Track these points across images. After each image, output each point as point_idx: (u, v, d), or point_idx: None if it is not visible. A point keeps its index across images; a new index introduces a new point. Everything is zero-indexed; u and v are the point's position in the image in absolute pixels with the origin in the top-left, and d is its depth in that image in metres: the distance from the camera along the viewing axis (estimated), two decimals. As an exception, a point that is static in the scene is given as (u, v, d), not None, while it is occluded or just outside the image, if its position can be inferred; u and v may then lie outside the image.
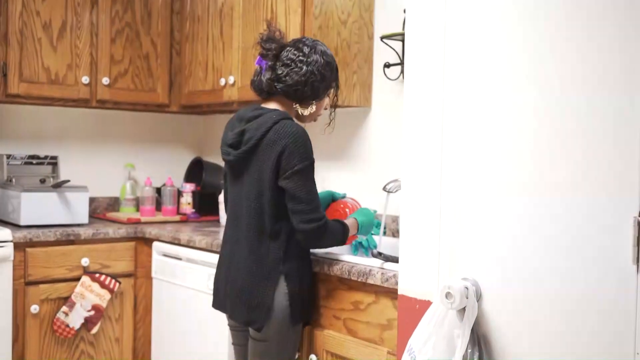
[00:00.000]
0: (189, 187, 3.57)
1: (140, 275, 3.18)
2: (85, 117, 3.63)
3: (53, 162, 3.36)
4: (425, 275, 1.72)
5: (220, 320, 2.49)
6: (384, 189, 2.42)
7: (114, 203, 3.71)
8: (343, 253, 2.29)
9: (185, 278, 2.86)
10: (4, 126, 3.42)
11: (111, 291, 3.04)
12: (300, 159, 2.04)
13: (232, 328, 2.30)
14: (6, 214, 3.17)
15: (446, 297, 1.57)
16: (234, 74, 3.10)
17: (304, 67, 2.12)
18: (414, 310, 1.73)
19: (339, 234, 2.14)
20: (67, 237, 3.00)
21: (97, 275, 3.02)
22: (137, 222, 3.33)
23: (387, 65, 2.79)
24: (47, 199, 3.09)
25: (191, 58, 3.43)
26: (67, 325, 2.96)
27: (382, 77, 2.83)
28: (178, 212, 3.54)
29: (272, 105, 2.18)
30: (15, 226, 3.04)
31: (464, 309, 1.58)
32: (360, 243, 2.47)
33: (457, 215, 1.66)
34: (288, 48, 2.17)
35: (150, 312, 3.17)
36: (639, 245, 1.34)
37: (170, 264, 2.97)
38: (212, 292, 2.31)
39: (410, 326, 1.68)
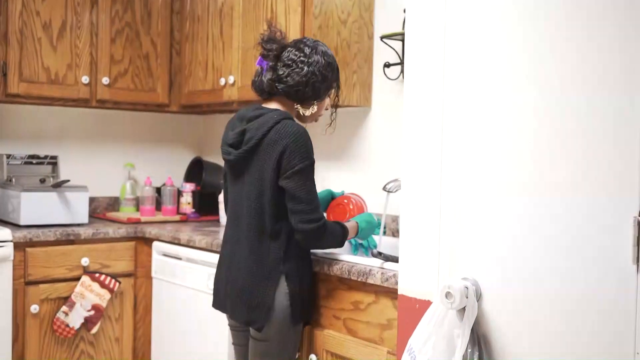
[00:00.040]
0: (189, 187, 3.57)
1: (140, 275, 3.18)
2: (85, 117, 3.63)
3: (53, 161, 3.36)
4: (425, 275, 1.72)
5: (220, 320, 2.49)
6: (384, 188, 2.42)
7: (114, 203, 3.71)
8: (343, 253, 2.29)
9: (185, 278, 2.86)
10: (4, 126, 3.42)
11: (111, 291, 3.04)
12: (301, 158, 2.04)
13: (233, 328, 2.30)
14: (6, 213, 3.17)
15: (446, 296, 1.57)
16: (233, 74, 3.10)
17: (305, 68, 2.13)
18: (414, 310, 1.73)
19: (338, 236, 2.14)
20: (67, 236, 3.00)
21: (97, 275, 3.02)
22: (137, 222, 3.33)
23: (387, 65, 2.79)
24: (47, 198, 3.09)
25: (191, 58, 3.43)
26: (67, 325, 2.96)
27: (382, 77, 2.83)
28: (178, 212, 3.54)
29: (273, 106, 2.18)
30: (15, 226, 3.04)
31: (463, 308, 1.58)
32: (361, 243, 2.47)
33: (457, 215, 1.66)
34: (289, 49, 2.17)
35: (150, 312, 3.17)
36: (639, 245, 1.34)
37: (170, 264, 2.97)
38: (212, 292, 2.32)
39: (410, 326, 1.68)
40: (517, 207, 1.54)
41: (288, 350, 2.14)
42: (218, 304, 2.26)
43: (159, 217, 3.45)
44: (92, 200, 3.55)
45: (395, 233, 2.74)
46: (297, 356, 2.20)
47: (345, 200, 2.42)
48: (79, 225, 3.15)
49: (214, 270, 2.39)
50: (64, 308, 2.96)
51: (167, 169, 3.85)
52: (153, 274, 3.11)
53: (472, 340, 1.57)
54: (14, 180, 3.18)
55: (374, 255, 2.09)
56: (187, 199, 3.54)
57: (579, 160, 1.43)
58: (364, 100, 2.88)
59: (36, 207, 3.06)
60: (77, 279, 3.00)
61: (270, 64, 2.17)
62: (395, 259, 2.01)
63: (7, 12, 3.07)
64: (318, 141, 2.48)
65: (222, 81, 3.16)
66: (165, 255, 3.03)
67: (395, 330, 1.94)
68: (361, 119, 2.97)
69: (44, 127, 3.52)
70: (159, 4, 3.48)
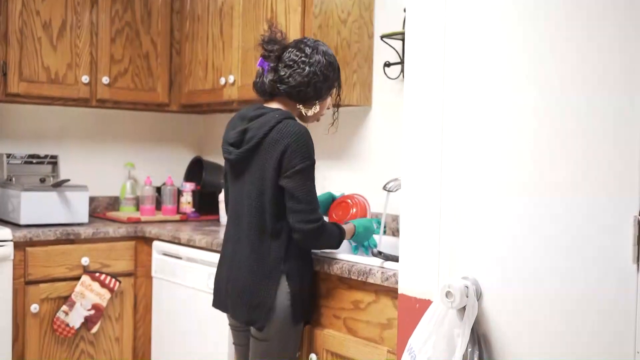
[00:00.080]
0: (189, 187, 3.57)
1: (140, 275, 3.18)
2: (85, 117, 3.63)
3: (53, 161, 3.36)
4: (426, 274, 1.72)
5: (221, 320, 2.49)
6: (384, 188, 2.42)
7: (114, 202, 3.71)
8: (343, 252, 2.29)
9: (185, 277, 2.86)
10: (4, 125, 3.42)
11: (111, 290, 3.04)
12: (301, 158, 2.04)
13: (233, 328, 2.30)
14: (6, 213, 3.17)
15: (446, 296, 1.57)
16: (233, 73, 3.10)
17: (307, 68, 2.13)
18: (414, 309, 1.73)
19: (335, 237, 2.15)
20: (67, 236, 3.00)
21: (97, 274, 3.03)
22: (137, 222, 3.33)
23: (387, 65, 2.79)
24: (47, 198, 3.09)
25: (191, 57, 3.43)
26: (67, 325, 2.96)
27: (382, 76, 2.83)
28: (178, 212, 3.54)
29: (274, 105, 2.19)
30: (15, 225, 3.04)
31: (464, 308, 1.58)
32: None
33: (457, 214, 1.66)
34: (290, 49, 2.17)
35: (150, 311, 3.17)
36: (639, 245, 1.34)
37: (170, 263, 2.97)
38: (212, 291, 2.32)
39: (411, 325, 1.69)
40: (517, 207, 1.54)
41: (289, 350, 2.14)
42: (218, 303, 2.26)
43: (159, 216, 3.45)
44: (92, 199, 3.55)
45: (395, 232, 2.74)
46: (297, 356, 2.20)
47: (349, 200, 2.42)
48: (79, 224, 3.15)
49: (214, 270, 2.39)
50: (64, 307, 2.96)
51: (167, 168, 3.85)
52: (153, 274, 3.11)
53: (472, 339, 1.57)
54: (14, 179, 3.18)
55: (374, 255, 2.09)
56: (187, 199, 3.55)
57: (579, 160, 1.43)
58: (364, 100, 2.88)
59: (36, 206, 3.06)
60: (77, 278, 3.00)
61: (272, 64, 2.17)
62: (395, 259, 2.01)
63: (7, 11, 3.07)
64: (318, 140, 2.47)
65: (222, 81, 3.16)
66: (165, 254, 3.03)
67: (395, 330, 1.95)
68: (361, 118, 2.97)
69: (44, 126, 3.52)
70: (159, 3, 3.48)
